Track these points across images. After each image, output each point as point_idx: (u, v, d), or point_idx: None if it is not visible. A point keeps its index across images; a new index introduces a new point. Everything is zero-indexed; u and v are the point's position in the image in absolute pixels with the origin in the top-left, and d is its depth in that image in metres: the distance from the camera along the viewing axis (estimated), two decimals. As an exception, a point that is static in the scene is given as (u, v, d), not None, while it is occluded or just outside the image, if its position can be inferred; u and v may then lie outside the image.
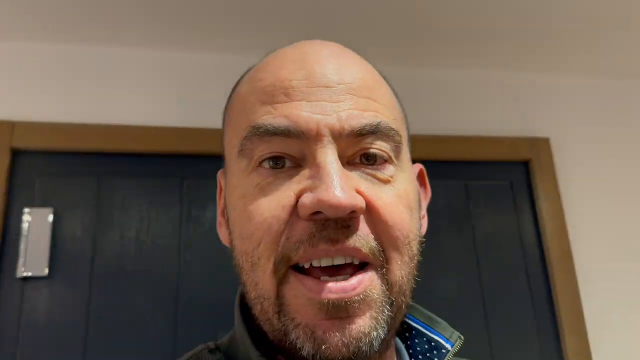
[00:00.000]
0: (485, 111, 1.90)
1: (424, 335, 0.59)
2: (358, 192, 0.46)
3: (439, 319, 0.59)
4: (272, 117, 0.47)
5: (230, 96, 0.57)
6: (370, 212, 0.46)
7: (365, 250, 0.45)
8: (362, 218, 0.46)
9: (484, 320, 1.66)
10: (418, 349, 0.59)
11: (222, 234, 0.57)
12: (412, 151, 0.58)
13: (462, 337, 0.57)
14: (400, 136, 0.51)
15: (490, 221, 1.78)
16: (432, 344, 0.57)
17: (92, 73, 1.62)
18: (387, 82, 0.57)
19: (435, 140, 1.78)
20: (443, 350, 0.56)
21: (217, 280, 1.50)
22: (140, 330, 1.43)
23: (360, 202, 0.44)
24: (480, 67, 1.93)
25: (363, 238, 0.45)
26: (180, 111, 1.62)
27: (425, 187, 0.61)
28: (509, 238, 1.78)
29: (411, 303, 0.58)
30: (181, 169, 1.59)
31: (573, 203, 1.84)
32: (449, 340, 0.57)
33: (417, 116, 1.56)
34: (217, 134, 1.56)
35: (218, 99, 1.63)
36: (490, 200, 1.81)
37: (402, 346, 0.59)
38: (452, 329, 0.58)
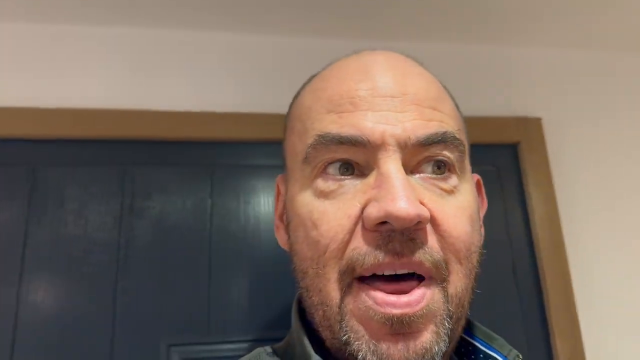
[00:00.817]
0: (469, 89, 1.71)
1: (481, 351, 0.59)
2: (422, 203, 0.46)
3: (497, 336, 0.60)
4: (339, 126, 0.49)
5: (291, 105, 0.59)
6: (434, 223, 0.47)
7: (428, 264, 0.46)
8: (428, 230, 0.46)
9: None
10: None
11: (281, 237, 0.59)
12: (472, 162, 0.58)
13: (520, 355, 0.58)
14: (464, 146, 0.52)
15: None
16: None
17: (23, 52, 1.46)
18: (449, 92, 0.58)
19: None
20: None
21: (160, 278, 1.35)
22: (74, 333, 1.29)
23: (425, 213, 0.45)
24: (465, 42, 1.75)
25: (428, 252, 0.46)
26: (123, 90, 1.46)
27: (482, 197, 0.63)
28: (495, 228, 1.61)
29: (471, 320, 0.61)
30: (124, 156, 1.43)
31: (566, 189, 1.66)
32: (506, 357, 0.57)
33: None
34: (166, 116, 1.39)
35: (165, 78, 1.48)
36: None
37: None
38: (510, 347, 0.58)
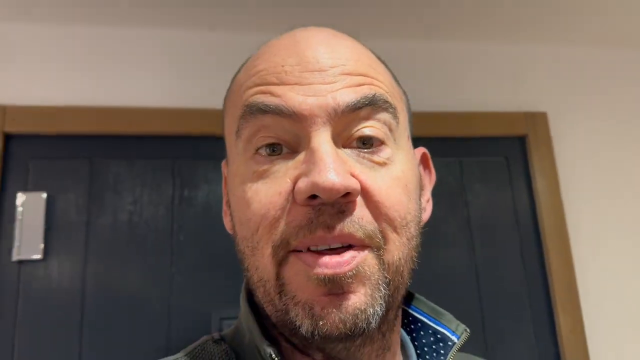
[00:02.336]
0: (480, 86, 1.87)
1: (429, 327, 0.59)
2: (353, 175, 0.46)
3: (444, 311, 0.59)
4: (264, 96, 0.49)
5: (229, 87, 0.58)
6: (366, 195, 0.47)
7: (359, 234, 0.46)
8: (359, 202, 0.46)
9: (477, 296, 1.66)
10: (424, 341, 0.59)
11: (227, 222, 0.58)
12: (413, 133, 0.58)
13: (468, 329, 0.57)
14: (395, 109, 0.51)
15: (485, 197, 1.77)
16: (438, 336, 0.58)
17: (84, 55, 1.61)
18: (385, 64, 0.57)
19: (429, 116, 1.76)
20: (449, 343, 0.57)
21: (209, 261, 1.52)
22: (135, 310, 1.46)
23: (354, 185, 0.45)
24: (474, 40, 1.90)
25: (357, 223, 0.46)
26: (173, 92, 1.62)
27: (429, 171, 0.61)
28: (504, 214, 1.77)
29: (416, 295, 0.61)
30: (173, 150, 1.59)
31: (570, 179, 1.82)
32: (454, 332, 0.57)
33: (409, 92, 1.54)
34: (209, 114, 1.53)
35: (210, 79, 1.62)
36: (485, 177, 1.80)
37: (407, 338, 0.60)
38: (457, 321, 0.58)
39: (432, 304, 0.61)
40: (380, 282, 0.47)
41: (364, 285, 0.46)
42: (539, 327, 1.67)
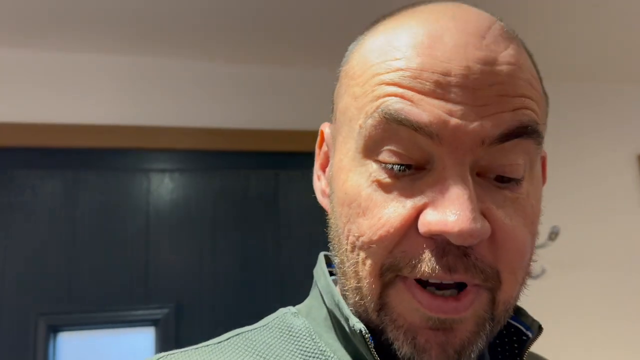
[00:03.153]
0: (296, 105, 1.98)
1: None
2: (483, 213, 0.42)
3: (520, 305, 0.53)
4: (403, 103, 0.42)
5: (352, 50, 0.51)
6: (494, 235, 0.43)
7: (478, 280, 0.43)
8: (484, 243, 0.43)
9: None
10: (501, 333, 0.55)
11: (318, 188, 0.55)
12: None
13: (542, 326, 0.53)
14: (543, 138, 0.46)
15: (300, 210, 1.90)
16: (512, 330, 0.54)
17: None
18: (535, 64, 0.49)
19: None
20: (523, 337, 0.53)
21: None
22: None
23: (486, 231, 0.41)
24: (285, 64, 1.99)
25: (480, 268, 0.42)
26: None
27: (544, 176, 0.53)
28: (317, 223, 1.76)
29: None
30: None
31: None
32: (530, 327, 0.53)
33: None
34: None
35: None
36: (301, 190, 1.93)
37: None
38: (532, 317, 0.53)
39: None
40: (487, 319, 0.44)
41: (471, 324, 0.44)
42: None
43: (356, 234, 0.45)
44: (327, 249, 0.54)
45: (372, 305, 0.45)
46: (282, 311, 0.56)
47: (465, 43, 0.43)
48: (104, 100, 1.80)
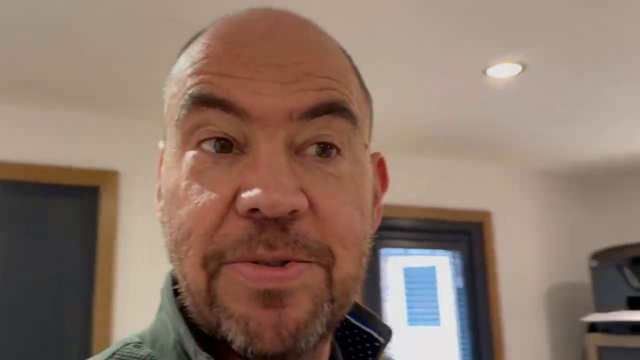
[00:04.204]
0: (68, 145, 2.21)
1: (355, 327, 0.55)
2: (302, 188, 0.42)
3: (371, 311, 0.55)
4: (211, 87, 0.43)
5: (176, 63, 0.51)
6: (315, 210, 0.43)
7: (302, 255, 0.42)
8: (305, 218, 0.42)
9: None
10: (349, 340, 0.55)
11: (158, 210, 0.51)
12: (371, 139, 0.54)
13: (392, 331, 0.54)
14: (356, 117, 0.46)
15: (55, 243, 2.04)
16: (364, 336, 0.54)
17: None
18: (352, 62, 0.52)
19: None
20: (376, 344, 0.54)
21: None
22: None
23: (301, 202, 0.41)
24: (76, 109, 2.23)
25: (301, 242, 0.42)
26: None
27: (384, 178, 0.56)
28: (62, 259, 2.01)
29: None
30: None
31: (130, 231, 2.12)
32: (381, 334, 0.54)
33: None
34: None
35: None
36: (59, 223, 2.09)
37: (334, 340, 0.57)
38: (383, 322, 0.54)
39: (357, 302, 0.54)
40: (325, 299, 0.43)
41: (307, 301, 0.42)
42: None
43: (176, 226, 0.44)
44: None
45: (202, 301, 0.43)
46: (122, 342, 0.50)
47: (268, 27, 0.46)
48: None
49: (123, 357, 0.48)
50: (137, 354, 0.48)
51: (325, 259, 0.43)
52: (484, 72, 2.06)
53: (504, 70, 2.06)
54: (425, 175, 3.12)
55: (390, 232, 3.11)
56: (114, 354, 0.48)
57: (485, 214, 3.34)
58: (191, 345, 0.45)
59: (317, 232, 0.43)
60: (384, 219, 0.55)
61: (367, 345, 0.54)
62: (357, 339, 0.55)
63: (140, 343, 0.49)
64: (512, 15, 1.71)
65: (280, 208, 0.40)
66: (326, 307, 0.43)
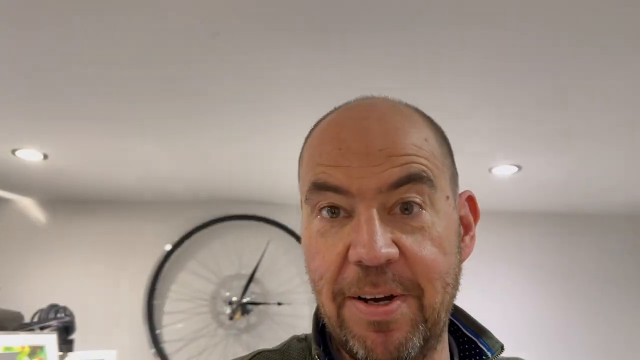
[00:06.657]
0: None
1: (472, 342, 0.70)
2: (394, 240, 0.57)
3: (485, 328, 0.69)
4: (325, 176, 0.59)
5: (302, 147, 0.68)
6: (406, 256, 0.57)
7: (399, 290, 0.57)
8: (399, 262, 0.57)
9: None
10: (467, 353, 0.70)
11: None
12: (457, 173, 0.67)
13: (504, 346, 0.67)
14: (433, 180, 0.60)
15: None
16: (477, 350, 0.69)
17: None
18: (434, 127, 0.66)
19: None
20: (484, 357, 0.67)
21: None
22: None
23: (392, 252, 0.56)
24: None
25: (397, 280, 0.57)
26: None
27: (475, 210, 0.70)
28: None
29: (459, 308, 0.70)
30: None
31: None
32: (491, 349, 0.67)
33: None
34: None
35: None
36: None
37: (455, 351, 0.70)
38: (496, 338, 0.68)
39: (473, 319, 0.71)
40: (419, 321, 0.58)
41: (405, 325, 0.58)
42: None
43: (312, 273, 0.63)
44: None
45: (334, 323, 0.61)
46: (292, 336, 0.73)
47: (361, 122, 0.61)
48: None
49: (289, 348, 0.70)
50: (296, 346, 0.70)
51: (416, 291, 0.58)
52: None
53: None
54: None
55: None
56: (284, 344, 0.72)
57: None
58: (313, 340, 0.67)
59: (409, 271, 0.58)
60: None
61: (477, 358, 0.69)
62: (473, 352, 0.70)
63: (304, 338, 0.71)
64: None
65: (377, 260, 0.55)
66: (421, 327, 0.58)
